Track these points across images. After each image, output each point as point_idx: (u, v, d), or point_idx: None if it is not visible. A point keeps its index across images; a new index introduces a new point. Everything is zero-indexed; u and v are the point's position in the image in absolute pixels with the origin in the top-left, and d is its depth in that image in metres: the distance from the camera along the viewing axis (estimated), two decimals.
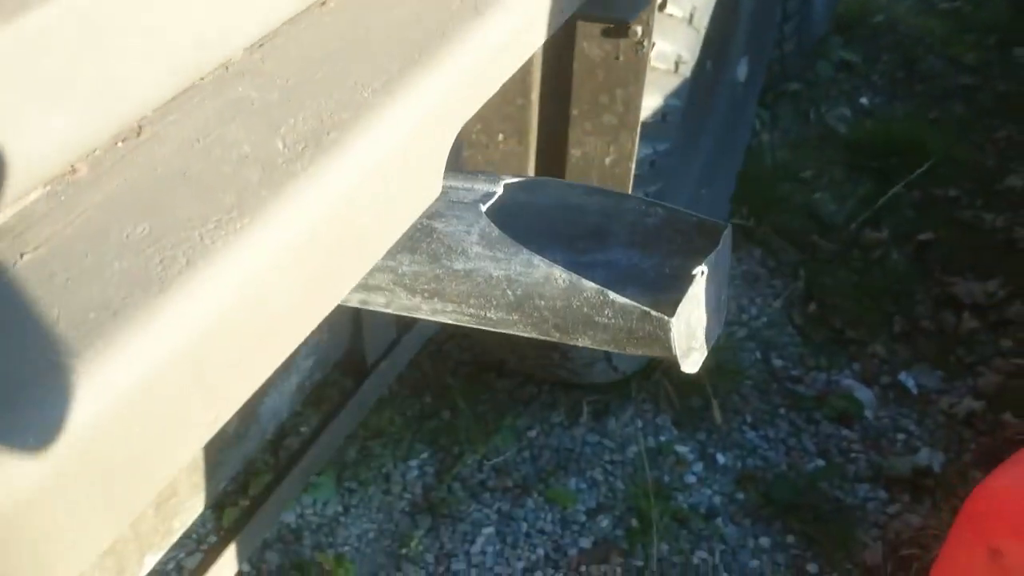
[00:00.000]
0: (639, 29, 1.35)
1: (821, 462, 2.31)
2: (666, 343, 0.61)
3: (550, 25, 0.62)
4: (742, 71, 2.49)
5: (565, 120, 1.44)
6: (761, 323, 2.63)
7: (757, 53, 2.50)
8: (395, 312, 0.67)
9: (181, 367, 0.39)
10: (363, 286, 0.67)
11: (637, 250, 0.67)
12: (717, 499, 2.24)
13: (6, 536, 0.33)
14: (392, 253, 0.64)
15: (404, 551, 2.11)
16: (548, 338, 0.64)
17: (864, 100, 3.41)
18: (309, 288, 0.46)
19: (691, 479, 2.28)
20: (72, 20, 0.39)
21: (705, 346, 0.68)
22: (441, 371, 2.44)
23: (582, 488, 2.25)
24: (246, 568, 2.09)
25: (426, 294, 0.65)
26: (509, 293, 0.63)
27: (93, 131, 0.43)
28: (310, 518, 2.18)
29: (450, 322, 0.66)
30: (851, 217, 2.88)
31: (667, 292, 0.63)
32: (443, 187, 0.68)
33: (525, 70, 1.41)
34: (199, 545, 2.10)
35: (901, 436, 2.39)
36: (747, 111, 2.61)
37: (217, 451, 1.11)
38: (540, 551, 2.14)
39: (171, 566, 2.03)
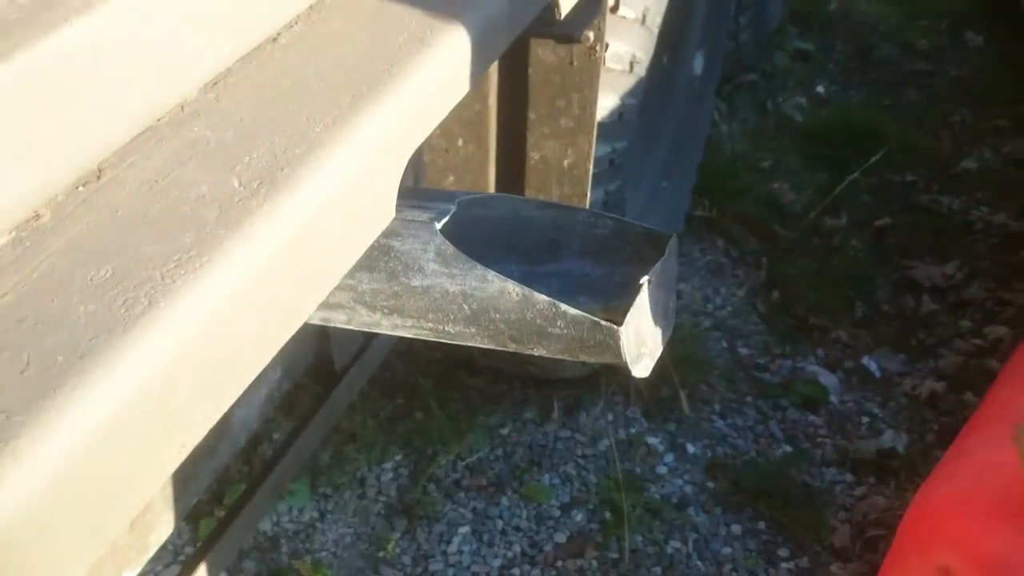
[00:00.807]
0: (591, 35, 1.38)
1: (789, 448, 2.36)
2: (616, 351, 0.63)
3: (495, 51, 0.64)
4: (698, 65, 2.53)
5: (523, 124, 1.47)
6: (726, 312, 2.67)
7: (712, 47, 2.54)
8: (356, 328, 0.69)
9: (147, 402, 0.41)
10: (324, 305, 0.69)
11: (588, 260, 0.70)
12: (688, 488, 2.28)
13: None
14: (351, 272, 0.67)
15: (381, 554, 2.14)
16: (505, 349, 0.66)
17: (820, 89, 3.46)
18: (269, 318, 0.48)
19: (662, 470, 2.32)
20: (30, 74, 0.41)
21: (655, 351, 0.70)
22: (412, 371, 2.46)
23: (556, 483, 2.28)
24: None
25: (386, 310, 0.67)
26: (465, 307, 0.65)
27: (55, 177, 0.45)
28: (286, 525, 2.19)
29: (410, 336, 0.68)
30: (810, 206, 2.93)
31: (617, 300, 0.66)
32: (399, 206, 0.70)
33: (483, 77, 1.42)
34: (176, 557, 2.11)
35: (866, 419, 2.44)
36: (705, 104, 2.65)
37: (189, 465, 1.13)
38: (516, 548, 2.17)
39: None
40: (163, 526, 1.11)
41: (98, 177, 0.47)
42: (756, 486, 2.25)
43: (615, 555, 2.14)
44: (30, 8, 0.41)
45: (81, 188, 0.46)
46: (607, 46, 1.67)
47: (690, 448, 2.36)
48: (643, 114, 2.04)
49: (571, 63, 1.41)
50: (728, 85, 3.26)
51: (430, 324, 0.67)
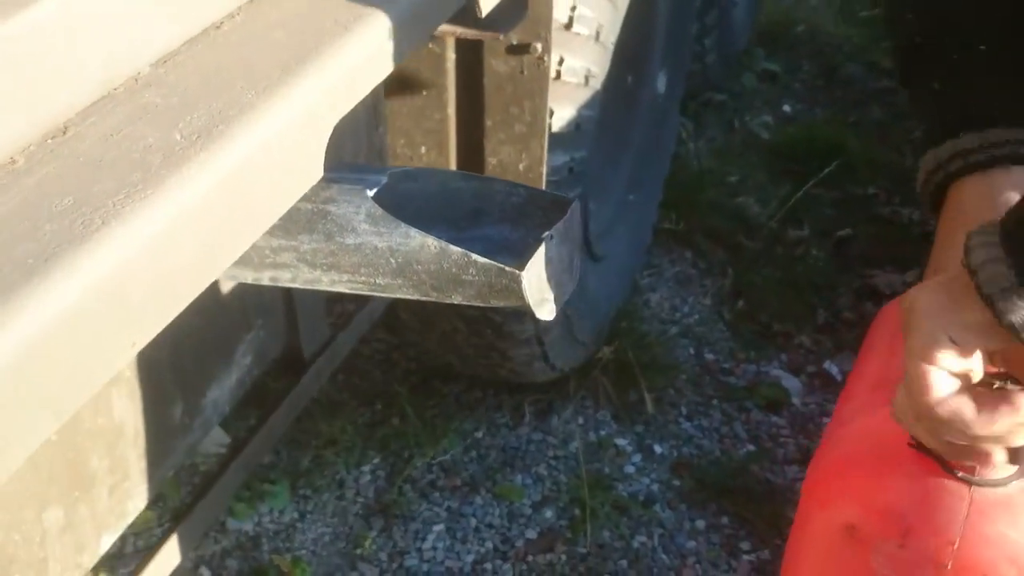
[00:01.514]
0: (539, 46, 1.49)
1: (752, 447, 2.45)
2: (519, 294, 0.73)
3: (413, 39, 0.74)
4: (661, 83, 2.64)
5: (480, 131, 1.57)
6: (693, 320, 2.76)
7: (675, 66, 2.66)
8: (301, 286, 0.79)
9: (100, 300, 0.50)
10: (271, 264, 0.79)
11: (507, 225, 0.80)
12: (655, 487, 2.36)
13: None
14: (293, 234, 0.77)
15: (359, 551, 2.22)
16: (427, 298, 0.76)
17: (787, 107, 3.58)
18: (206, 245, 0.58)
19: (630, 469, 2.41)
20: (9, 43, 0.51)
21: (560, 298, 0.80)
22: (390, 379, 2.55)
23: (527, 483, 2.37)
24: (206, 574, 2.18)
25: (324, 267, 0.77)
26: (392, 261, 0.75)
27: (28, 131, 0.55)
28: (267, 525, 2.28)
29: (346, 291, 0.78)
30: (774, 218, 3.03)
31: (529, 257, 0.76)
32: (337, 178, 0.80)
33: (441, 87, 1.54)
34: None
35: (827, 420, 2.53)
36: (670, 121, 2.76)
37: (164, 441, 1.22)
38: (489, 544, 2.25)
39: (128, 548, 2.12)
40: (139, 496, 1.20)
41: (64, 132, 0.57)
42: (720, 483, 2.34)
43: (583, 550, 2.22)
44: None
45: (49, 140, 0.56)
46: (562, 60, 1.78)
47: (657, 448, 2.45)
48: (603, 127, 2.14)
49: (522, 72, 1.52)
50: (695, 104, 3.37)
51: (363, 278, 0.76)
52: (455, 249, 0.73)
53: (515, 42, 1.49)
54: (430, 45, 1.47)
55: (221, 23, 0.67)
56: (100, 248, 0.50)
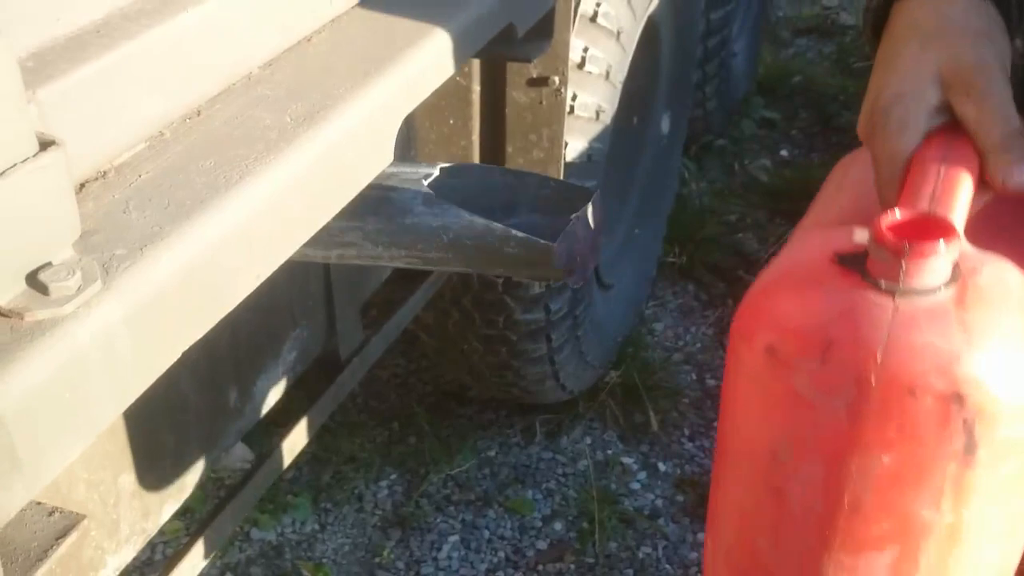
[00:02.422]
0: (556, 79, 1.65)
1: None
2: (552, 262, 0.87)
3: (465, 53, 0.90)
4: (665, 125, 2.82)
5: (502, 156, 1.73)
6: (695, 348, 2.90)
7: (678, 109, 2.83)
8: (363, 262, 0.94)
9: (238, 235, 0.65)
10: (339, 243, 0.93)
11: (538, 215, 0.94)
12: (659, 502, 2.48)
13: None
14: (360, 215, 0.91)
15: (377, 560, 2.33)
16: (473, 270, 0.90)
17: (784, 152, 3.75)
18: (311, 201, 0.73)
19: (636, 486, 2.53)
20: (164, 47, 0.67)
21: (583, 271, 0.94)
22: (407, 401, 2.68)
23: (538, 498, 2.49)
24: None
25: (385, 244, 0.92)
26: (444, 237, 0.90)
27: (171, 113, 0.71)
28: (290, 536, 2.39)
29: (403, 265, 0.92)
30: (771, 253, 3.19)
31: (560, 233, 0.90)
32: (397, 171, 0.95)
33: (467, 116, 1.70)
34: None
35: None
36: (673, 160, 2.93)
37: (219, 422, 1.36)
38: (501, 554, 2.36)
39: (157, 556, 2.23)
40: (195, 471, 1.33)
41: (198, 114, 0.72)
42: None
43: (591, 560, 2.34)
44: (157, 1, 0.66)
45: (188, 120, 0.72)
46: (575, 96, 1.95)
47: (661, 466, 2.58)
48: (612, 161, 2.31)
49: (540, 103, 1.68)
50: (696, 147, 3.54)
51: (418, 253, 0.91)
52: (498, 226, 0.88)
53: (535, 75, 1.65)
54: (457, 78, 1.63)
55: (311, 37, 0.83)
56: (240, 195, 0.65)
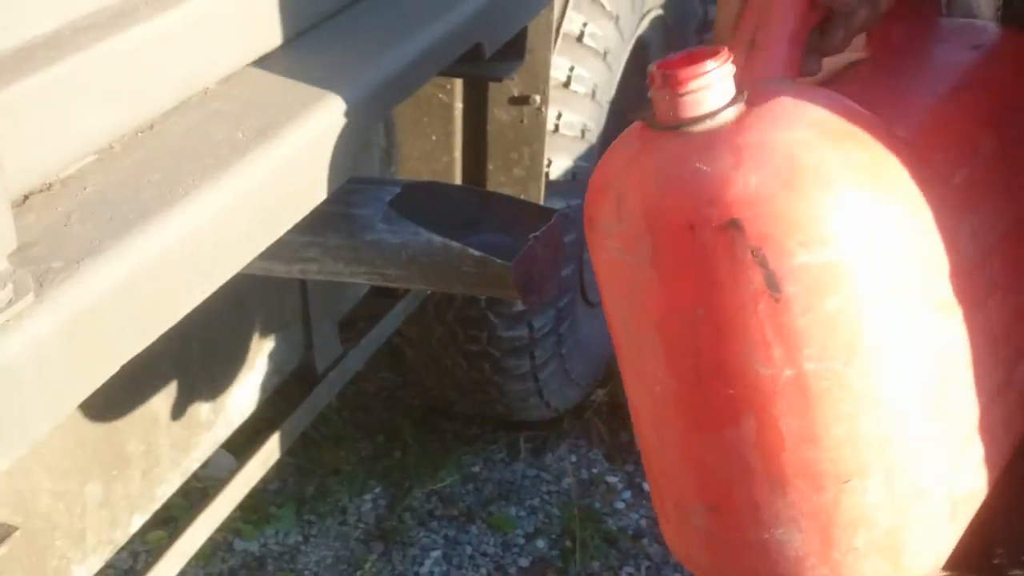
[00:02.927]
0: (538, 98, 1.66)
1: None
2: (507, 282, 0.88)
3: (422, 76, 0.92)
4: None
5: (483, 174, 1.73)
6: None
7: None
8: (326, 278, 0.94)
9: (184, 247, 0.66)
10: (301, 258, 0.94)
11: (502, 233, 0.95)
12: (643, 522, 2.48)
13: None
14: (321, 232, 0.92)
15: (359, 573, 2.33)
16: (432, 288, 0.91)
17: None
18: (261, 217, 0.74)
19: (620, 505, 2.52)
20: (115, 61, 0.68)
21: (541, 292, 0.95)
22: (393, 415, 2.68)
23: (522, 515, 2.48)
24: None
25: (346, 261, 0.92)
26: (403, 255, 0.90)
27: (123, 125, 0.72)
28: (272, 547, 2.39)
29: (364, 282, 0.93)
30: None
31: (517, 254, 0.91)
32: (359, 187, 0.96)
33: (449, 132, 1.71)
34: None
35: None
36: None
37: (191, 435, 1.37)
38: (483, 570, 2.36)
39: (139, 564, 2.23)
40: (168, 483, 1.33)
41: (151, 128, 0.73)
42: None
43: None
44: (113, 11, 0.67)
45: (139, 134, 0.72)
46: (560, 115, 1.96)
47: (646, 487, 2.57)
48: None
49: (522, 121, 1.69)
50: None
51: (378, 269, 0.92)
52: (455, 245, 0.89)
53: (516, 94, 1.66)
54: (439, 95, 1.64)
55: (271, 54, 0.84)
56: (184, 210, 0.65)
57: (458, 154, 1.76)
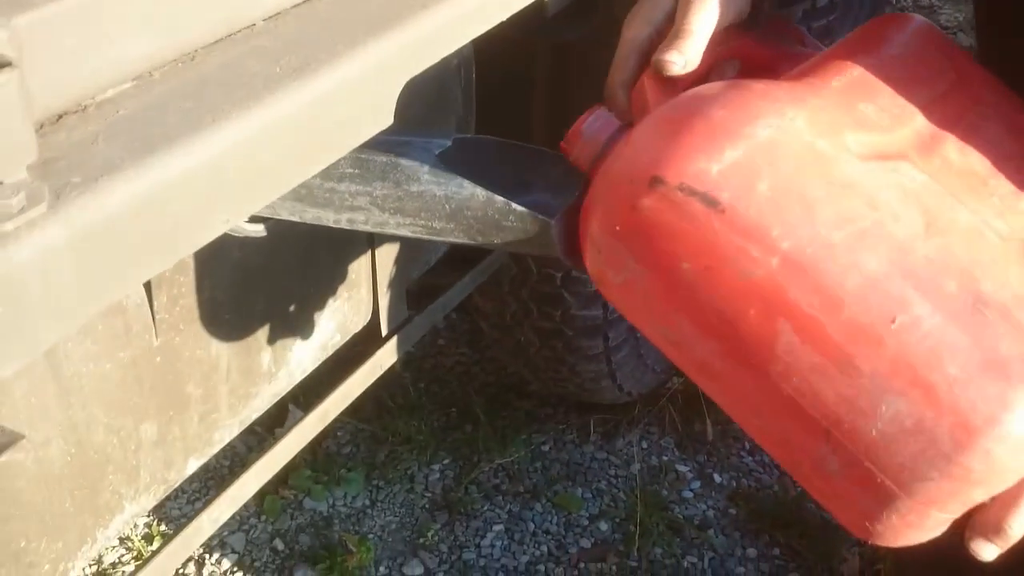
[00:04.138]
0: None
1: None
2: (550, 240, 0.86)
3: (475, 28, 0.90)
4: None
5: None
6: None
7: None
8: (372, 229, 0.94)
9: (208, 173, 0.67)
10: (349, 207, 0.94)
11: (550, 194, 0.93)
12: (711, 512, 2.43)
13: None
14: (369, 181, 0.92)
15: (421, 540, 2.35)
16: (474, 242, 0.90)
17: None
18: (288, 153, 0.74)
19: (688, 494, 2.48)
20: None
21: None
22: (468, 390, 2.69)
23: (587, 497, 2.47)
24: (280, 546, 2.34)
25: (391, 211, 0.92)
26: (447, 207, 0.89)
27: (164, 54, 0.73)
28: (340, 508, 2.43)
29: (408, 233, 0.92)
30: None
31: (560, 211, 0.89)
32: (410, 139, 0.95)
33: (527, 101, 1.69)
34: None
35: None
36: None
37: (252, 385, 1.39)
38: (544, 548, 2.35)
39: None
40: (226, 428, 1.36)
41: (192, 58, 0.74)
42: (775, 516, 2.40)
43: (634, 563, 2.31)
44: None
45: (179, 64, 0.73)
46: None
47: (717, 478, 2.52)
48: None
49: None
50: None
51: (423, 221, 0.91)
52: (499, 199, 0.87)
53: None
54: (518, 63, 1.62)
55: None
56: (211, 136, 0.66)
57: (539, 123, 1.75)
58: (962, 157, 0.81)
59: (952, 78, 0.87)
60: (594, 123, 0.88)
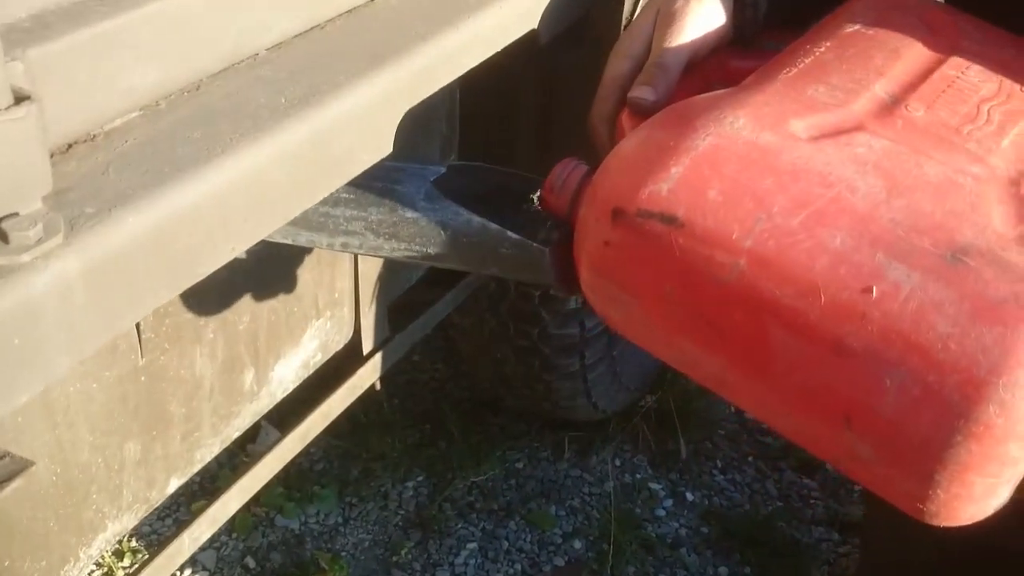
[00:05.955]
0: None
1: (781, 505, 2.53)
2: (544, 268, 0.88)
3: (476, 56, 0.92)
4: None
5: (550, 167, 1.73)
6: None
7: None
8: (367, 253, 0.95)
9: (214, 203, 0.67)
10: (344, 231, 0.95)
11: (544, 222, 0.95)
12: (683, 531, 2.45)
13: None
14: (364, 206, 0.93)
15: (395, 559, 2.35)
16: (471, 269, 0.91)
17: None
18: (294, 182, 0.75)
19: (661, 512, 2.50)
20: (167, 21, 0.70)
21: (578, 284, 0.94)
22: (442, 406, 2.70)
23: (561, 514, 2.48)
24: (251, 564, 2.33)
25: (386, 236, 0.93)
26: (442, 233, 0.91)
27: (170, 84, 0.73)
28: (312, 526, 2.42)
29: (403, 259, 0.93)
30: None
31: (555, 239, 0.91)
32: (405, 165, 0.96)
33: (514, 121, 1.71)
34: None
35: (859, 488, 2.60)
36: None
37: (233, 404, 1.39)
38: (518, 566, 2.36)
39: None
40: (207, 448, 1.35)
41: (197, 88, 0.74)
42: (747, 534, 2.42)
43: None
44: None
45: (186, 93, 0.74)
46: None
47: (689, 496, 2.55)
48: None
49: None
50: None
51: (417, 247, 0.92)
52: (494, 226, 0.89)
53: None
54: (505, 85, 1.64)
55: (325, 25, 0.85)
56: (219, 168, 0.67)
57: (524, 146, 1.76)
58: (930, 113, 0.82)
59: (922, 34, 0.88)
60: (562, 174, 0.91)
